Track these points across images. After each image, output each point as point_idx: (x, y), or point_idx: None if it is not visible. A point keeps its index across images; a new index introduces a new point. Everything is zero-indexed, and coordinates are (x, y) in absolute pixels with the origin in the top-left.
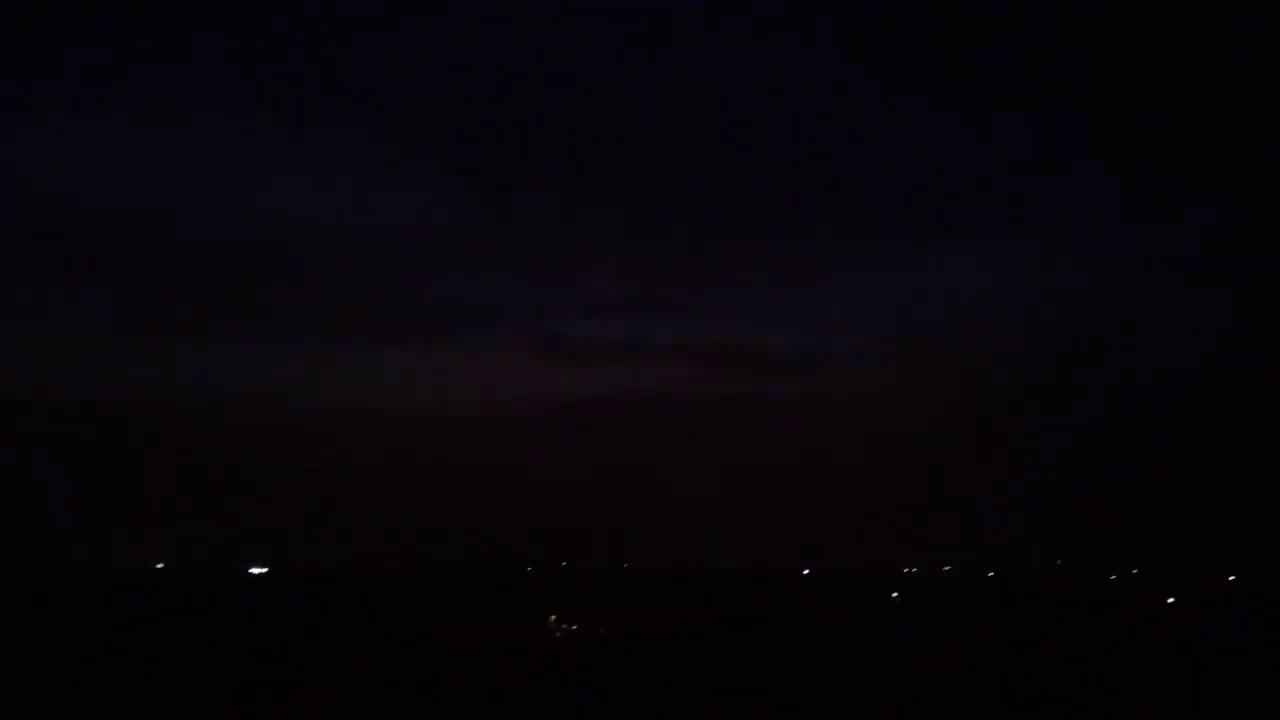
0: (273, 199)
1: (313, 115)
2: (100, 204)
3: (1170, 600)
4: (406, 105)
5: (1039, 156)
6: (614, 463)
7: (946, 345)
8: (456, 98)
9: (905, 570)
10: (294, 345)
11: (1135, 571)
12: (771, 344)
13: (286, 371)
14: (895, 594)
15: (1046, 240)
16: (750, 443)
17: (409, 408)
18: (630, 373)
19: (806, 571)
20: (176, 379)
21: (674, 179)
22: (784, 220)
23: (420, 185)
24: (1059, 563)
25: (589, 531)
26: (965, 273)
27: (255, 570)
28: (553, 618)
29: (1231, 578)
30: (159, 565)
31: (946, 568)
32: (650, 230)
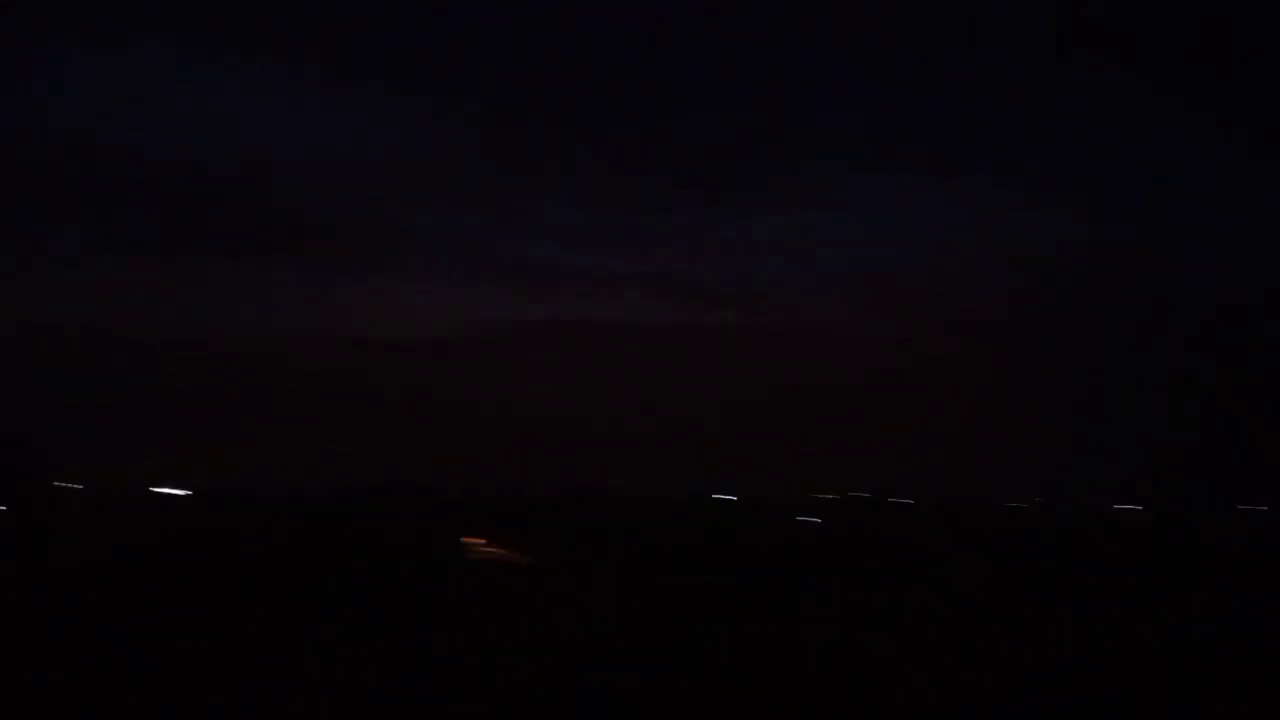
0: (219, 124)
1: (268, 39)
2: (64, 127)
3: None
4: (365, 35)
5: (1010, 102)
6: (558, 390)
7: (899, 282)
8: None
9: (823, 496)
10: (237, 269)
11: (1038, 499)
12: (724, 275)
13: (229, 295)
14: (815, 519)
15: (1013, 183)
16: (697, 372)
17: (354, 332)
18: (581, 300)
19: (735, 498)
20: (113, 305)
21: (633, 107)
22: (745, 151)
23: (372, 109)
24: (986, 491)
25: (526, 458)
26: (923, 211)
27: (173, 491)
28: (472, 540)
29: (1135, 506)
30: (69, 485)
31: (864, 494)
32: (606, 157)
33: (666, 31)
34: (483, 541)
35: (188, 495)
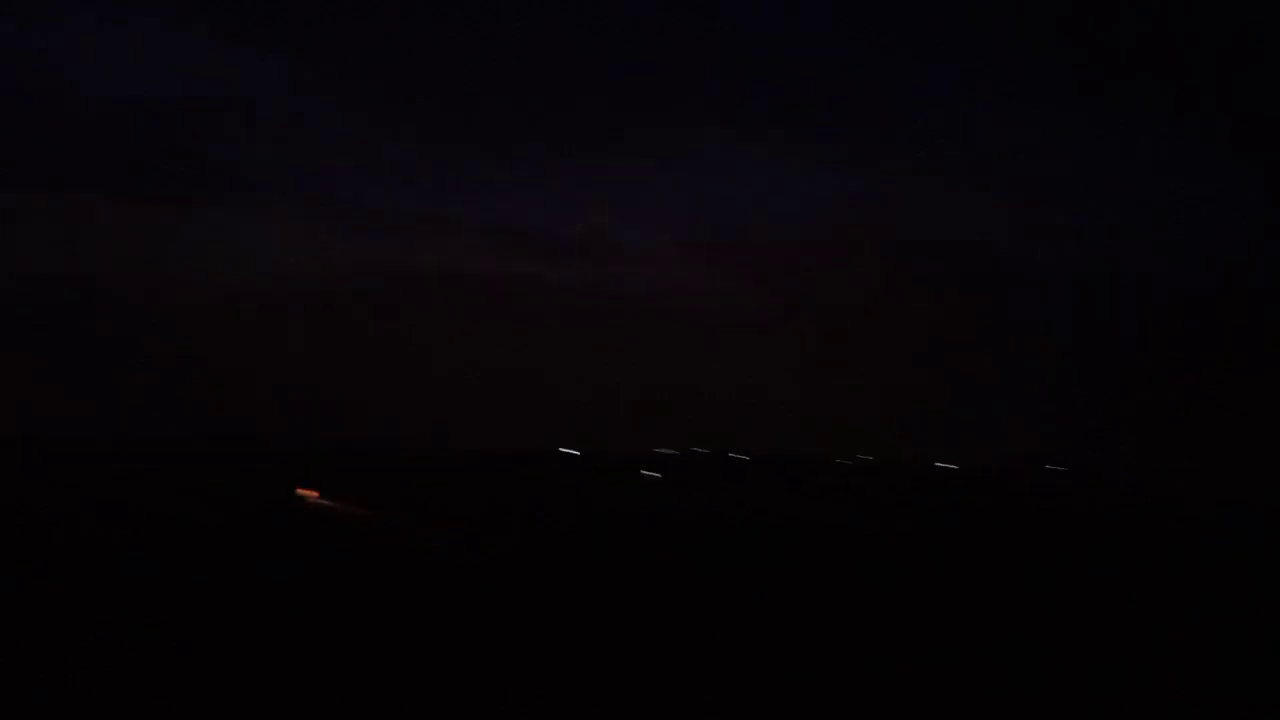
0: (53, 57)
1: None
2: None
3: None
4: None
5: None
6: (400, 339)
7: (754, 244)
8: None
9: (659, 450)
10: (61, 204)
11: (866, 458)
12: (570, 228)
13: (49, 234)
14: (656, 473)
15: (887, 154)
16: (544, 325)
17: (191, 275)
18: (421, 247)
19: (578, 453)
20: None
21: (485, 46)
22: (604, 102)
23: (208, 40)
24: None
25: (369, 409)
26: (785, 173)
27: None
28: (305, 491)
29: (951, 465)
30: None
31: (701, 449)
32: (453, 99)
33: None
34: (315, 494)
35: None
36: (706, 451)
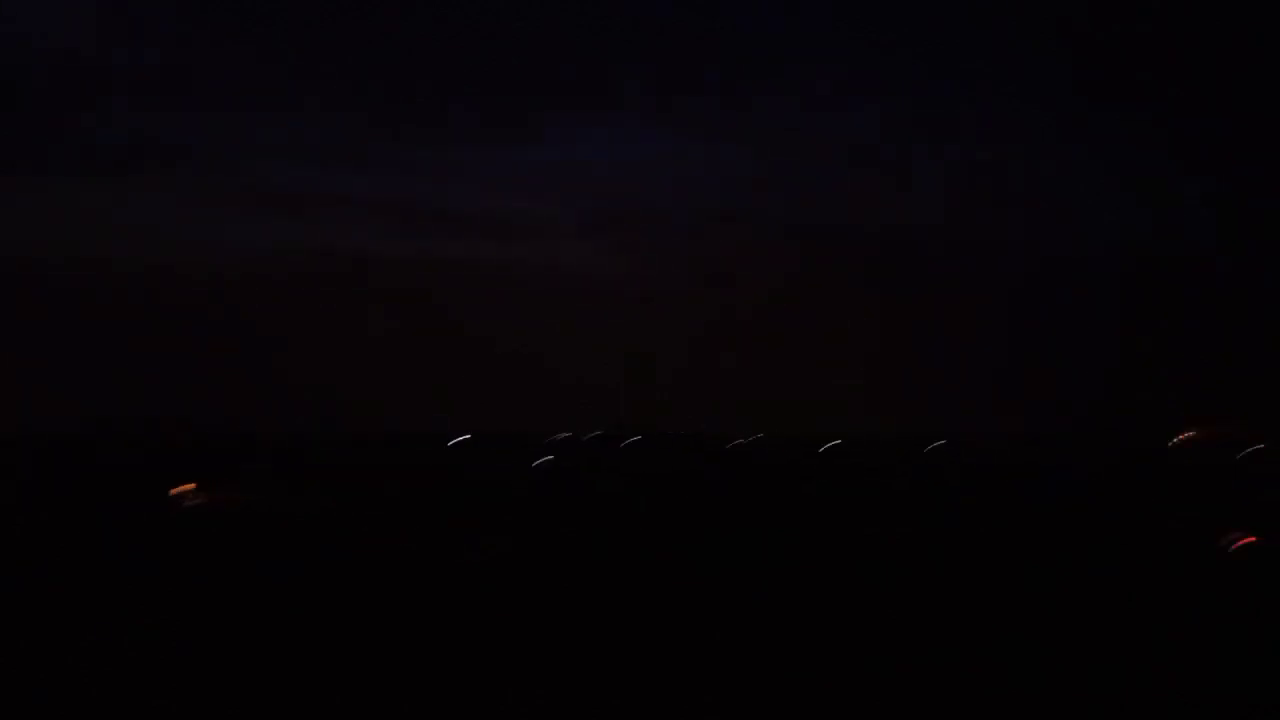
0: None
1: None
2: None
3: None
4: None
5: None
6: (292, 321)
7: (643, 222)
8: None
9: (560, 436)
10: None
11: (760, 436)
12: (471, 206)
13: None
14: (550, 457)
15: (769, 134)
16: (438, 305)
17: (70, 253)
18: (318, 226)
19: (468, 437)
20: None
21: (388, 19)
22: (493, 84)
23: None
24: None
25: (258, 396)
26: (673, 154)
27: None
28: (181, 489)
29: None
30: None
31: (598, 432)
32: (353, 74)
33: None
34: (192, 487)
35: None
36: (602, 434)
